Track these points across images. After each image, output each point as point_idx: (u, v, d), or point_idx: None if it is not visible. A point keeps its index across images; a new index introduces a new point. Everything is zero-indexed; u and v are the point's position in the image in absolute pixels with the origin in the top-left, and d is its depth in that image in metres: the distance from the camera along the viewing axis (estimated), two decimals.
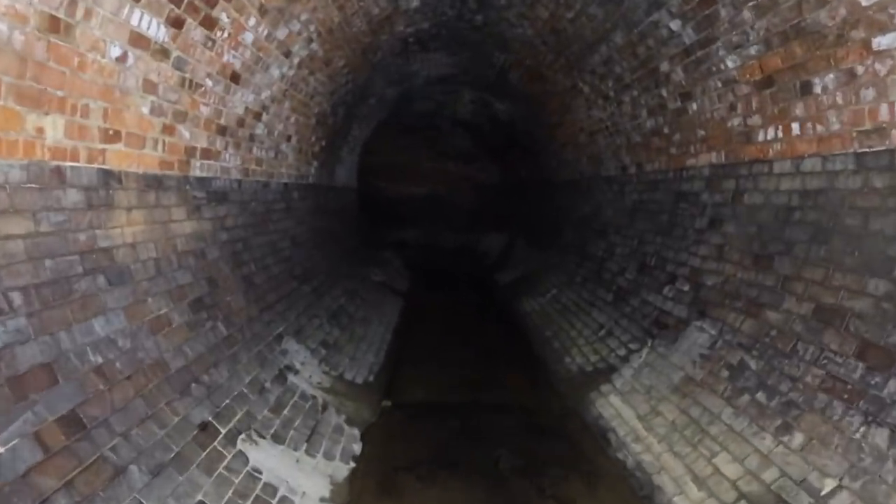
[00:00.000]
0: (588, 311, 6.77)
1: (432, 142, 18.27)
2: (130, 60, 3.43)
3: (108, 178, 3.34)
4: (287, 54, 5.88)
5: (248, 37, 4.87)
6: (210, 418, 3.38)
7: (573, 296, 7.60)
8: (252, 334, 4.66)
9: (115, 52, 3.27)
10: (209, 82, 4.55)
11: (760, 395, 3.40)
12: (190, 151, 4.46)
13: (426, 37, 8.62)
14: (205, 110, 4.61)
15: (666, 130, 5.98)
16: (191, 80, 4.26)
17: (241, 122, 5.42)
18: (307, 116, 7.63)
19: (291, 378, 4.63)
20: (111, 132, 3.38)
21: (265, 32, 5.13)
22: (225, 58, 4.67)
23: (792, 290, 3.67)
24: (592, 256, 7.92)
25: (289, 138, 7.08)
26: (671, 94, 5.63)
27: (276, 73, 5.85)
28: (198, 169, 4.61)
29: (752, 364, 3.66)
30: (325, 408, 4.49)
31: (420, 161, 19.13)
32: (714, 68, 4.75)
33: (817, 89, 3.63)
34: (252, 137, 5.80)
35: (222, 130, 5.03)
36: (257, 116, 5.84)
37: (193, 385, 3.49)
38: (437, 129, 17.29)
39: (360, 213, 13.66)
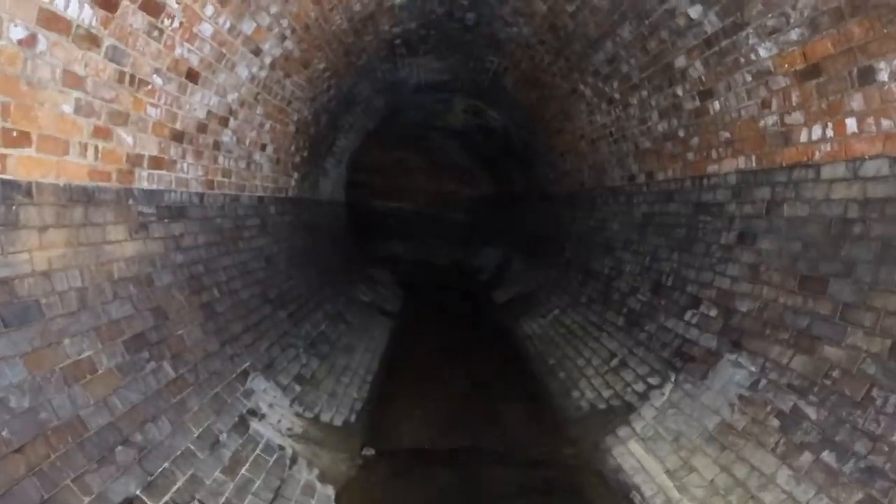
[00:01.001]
0: (596, 336, 6.10)
1: (424, 153, 17.67)
2: (42, 45, 2.76)
3: (11, 190, 2.66)
4: (256, 52, 5.23)
5: (207, 29, 4.22)
6: (138, 492, 2.68)
7: (578, 318, 6.93)
8: (209, 373, 3.97)
9: (17, 33, 2.60)
10: (158, 79, 3.88)
11: (828, 456, 2.73)
12: (134, 160, 3.79)
13: (414, 38, 8.00)
14: (154, 112, 3.94)
15: (681, 134, 5.35)
16: (132, 76, 3.60)
17: (202, 128, 4.75)
18: (284, 124, 6.98)
19: (255, 425, 3.93)
20: (15, 133, 2.70)
21: (227, 25, 4.48)
22: (177, 51, 4.01)
23: (857, 321, 3.00)
24: (598, 274, 7.27)
25: (263, 147, 6.41)
26: (688, 93, 5.01)
27: (244, 73, 5.20)
28: (145, 180, 3.94)
29: (811, 413, 2.99)
30: (294, 461, 3.79)
31: (411, 173, 18.51)
32: (742, 59, 4.12)
33: (882, 76, 2.99)
34: (217, 145, 5.14)
35: (178, 136, 4.36)
36: (223, 122, 5.18)
37: (119, 448, 2.79)
38: (428, 140, 16.68)
39: (349, 228, 12.98)
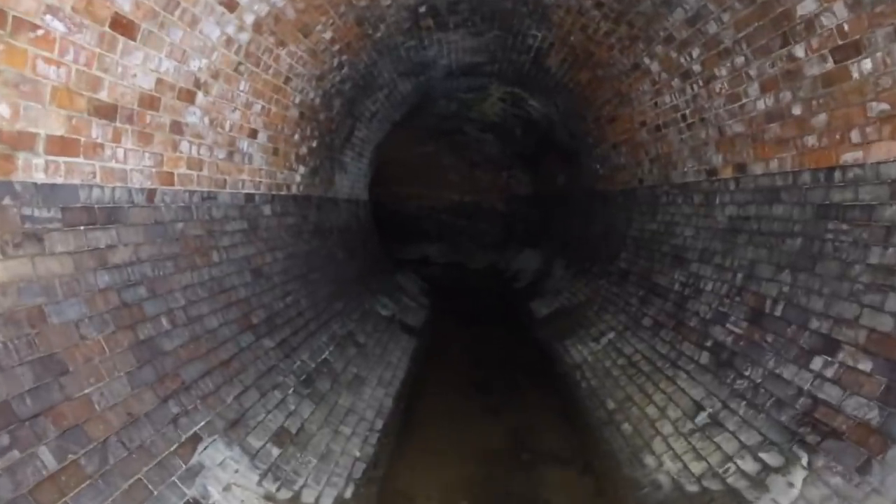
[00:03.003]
0: (670, 375, 4.73)
1: (457, 147, 16.38)
2: None
3: None
4: (230, 6, 4.00)
5: None
6: None
7: (641, 346, 5.56)
8: (130, 450, 2.74)
9: None
10: (57, 24, 2.67)
11: None
12: (15, 140, 2.58)
13: (443, 6, 6.70)
14: (53, 72, 2.73)
15: (797, 111, 3.94)
16: (2, 13, 2.40)
17: (150, 102, 3.54)
18: (283, 107, 5.76)
19: None
20: None
21: None
22: None
23: None
24: (665, 291, 5.88)
25: (253, 133, 5.20)
26: (815, 53, 3.60)
27: (213, 32, 3.97)
28: (40, 171, 2.73)
29: None
30: None
31: (443, 170, 17.26)
32: None
33: None
34: (178, 127, 3.92)
35: (106, 111, 3.15)
36: (187, 97, 3.96)
37: None
38: (462, 134, 15.38)
39: (372, 229, 11.77)
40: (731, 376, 4.02)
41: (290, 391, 4.36)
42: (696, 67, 5.12)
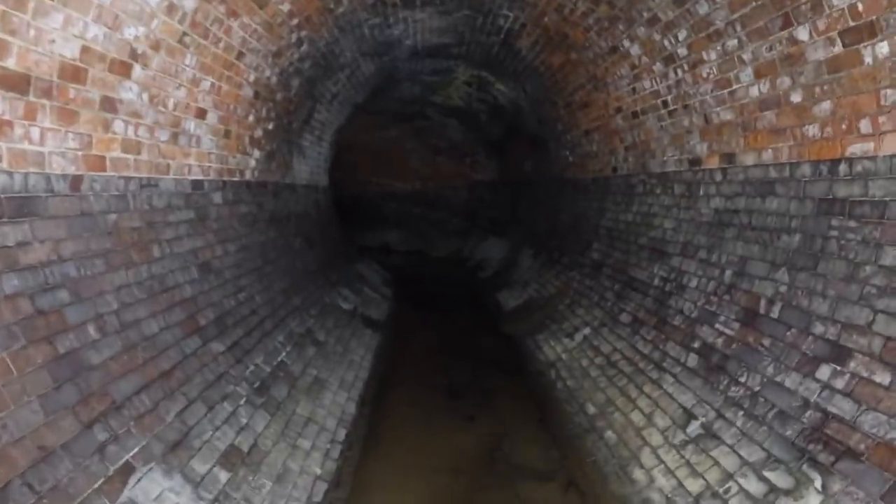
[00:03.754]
0: (655, 378, 4.44)
1: (419, 132, 15.92)
2: None
3: None
4: None
5: None
6: None
7: (621, 344, 5.27)
8: (38, 495, 2.28)
9: None
10: None
11: None
12: None
13: None
14: None
15: (796, 98, 3.65)
16: None
17: (73, 74, 3.03)
18: (236, 84, 5.25)
19: None
20: None
21: None
22: None
23: None
24: (643, 286, 5.60)
25: (202, 114, 4.69)
26: (821, 35, 3.30)
27: None
28: None
29: None
30: None
31: (406, 155, 16.79)
32: None
33: None
34: (110, 104, 3.42)
35: (14, 82, 2.65)
36: (121, 69, 3.46)
37: None
38: (425, 118, 14.92)
39: (333, 216, 11.27)
40: (724, 382, 3.74)
41: (242, 401, 3.92)
42: (682, 51, 4.80)
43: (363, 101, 10.93)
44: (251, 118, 5.90)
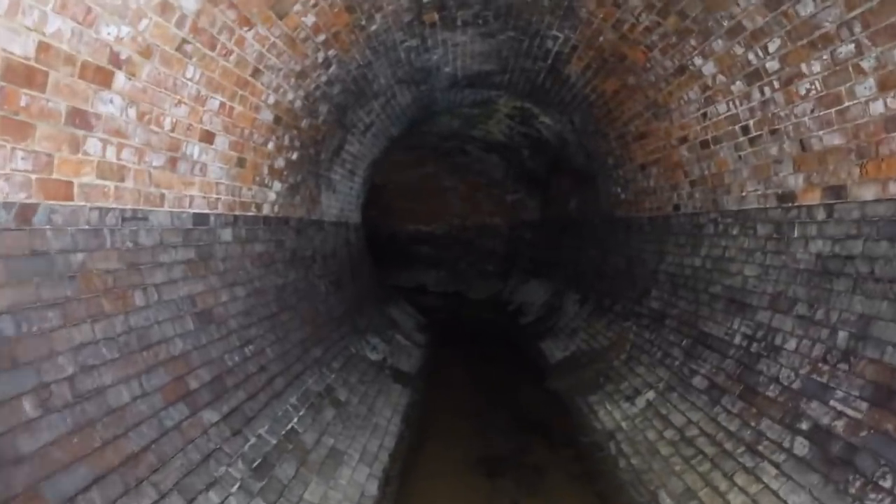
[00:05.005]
0: (748, 464, 3.54)
1: (459, 169, 15.32)
2: None
3: None
4: None
5: None
6: None
7: (696, 415, 4.38)
8: None
9: None
10: None
11: None
12: None
13: None
14: None
15: None
16: None
17: (26, 76, 2.41)
18: (252, 106, 4.64)
19: None
20: None
21: None
22: None
23: None
24: (720, 343, 4.72)
25: (208, 137, 4.07)
26: None
27: None
28: None
29: None
30: None
31: (444, 192, 16.21)
32: None
33: None
34: (81, 119, 2.79)
35: None
36: (99, 76, 2.84)
37: None
38: (464, 154, 14.32)
39: (365, 255, 10.62)
40: (854, 483, 2.84)
41: (235, 488, 3.17)
42: (772, 65, 4.01)
43: (399, 134, 10.36)
44: (271, 146, 5.29)
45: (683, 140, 5.85)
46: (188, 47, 3.46)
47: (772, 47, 3.92)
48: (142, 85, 3.19)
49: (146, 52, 3.13)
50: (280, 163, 5.66)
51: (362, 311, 8.14)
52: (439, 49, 7.04)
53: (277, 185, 5.70)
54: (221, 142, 4.29)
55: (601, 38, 5.92)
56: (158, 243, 3.56)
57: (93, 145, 2.91)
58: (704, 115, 5.25)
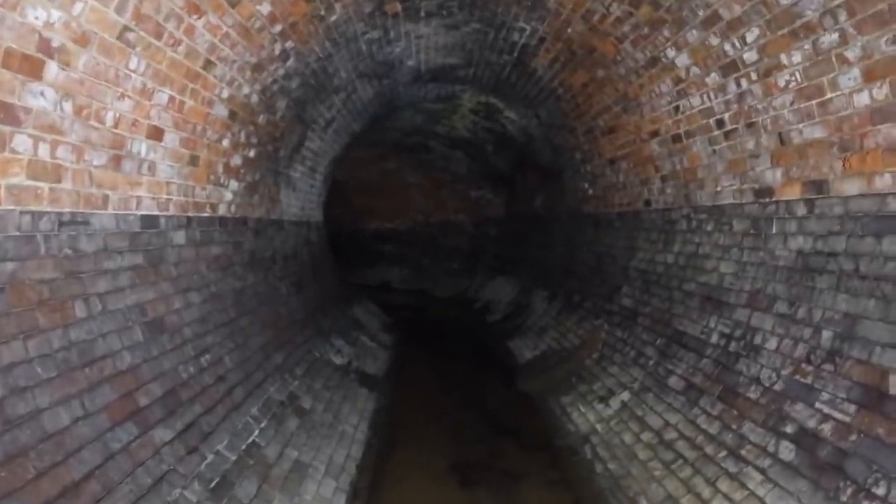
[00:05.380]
0: (731, 469, 3.42)
1: (422, 165, 15.09)
2: None
3: None
4: None
5: None
6: None
7: (674, 417, 4.26)
8: None
9: None
10: None
11: None
12: None
13: None
14: None
15: None
16: None
17: None
18: (205, 101, 4.34)
19: None
20: None
21: None
22: None
23: None
24: (697, 343, 4.62)
25: (156, 133, 3.77)
26: None
27: None
28: None
29: None
30: None
31: (407, 189, 15.96)
32: None
33: None
34: (8, 112, 2.49)
35: None
36: (26, 66, 2.54)
37: None
38: (427, 150, 14.09)
39: (327, 254, 10.31)
40: (847, 490, 2.73)
41: None
42: (750, 55, 3.89)
43: (361, 129, 10.07)
44: (226, 143, 4.99)
45: (654, 134, 5.74)
46: (131, 35, 3.17)
47: (750, 37, 3.81)
48: (78, 76, 2.89)
49: (82, 40, 2.84)
50: (236, 161, 5.35)
51: (326, 313, 7.86)
52: (402, 42, 6.79)
53: (234, 185, 5.40)
54: (171, 139, 3.99)
55: (570, 30, 5.76)
56: (102, 249, 3.26)
57: (22, 142, 2.61)
58: (677, 108, 5.14)
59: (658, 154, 5.81)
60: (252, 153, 5.71)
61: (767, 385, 3.62)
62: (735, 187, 4.55)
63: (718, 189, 4.82)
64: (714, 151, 4.77)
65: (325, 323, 7.45)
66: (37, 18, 2.52)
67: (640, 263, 6.28)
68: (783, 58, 3.62)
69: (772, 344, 3.75)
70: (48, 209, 2.82)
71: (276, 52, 5.05)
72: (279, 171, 6.96)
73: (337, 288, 9.69)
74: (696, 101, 4.79)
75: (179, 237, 4.26)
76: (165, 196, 4.05)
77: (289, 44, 5.12)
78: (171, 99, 3.85)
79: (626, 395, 5.03)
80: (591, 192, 8.12)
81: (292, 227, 7.76)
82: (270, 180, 6.62)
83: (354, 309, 9.61)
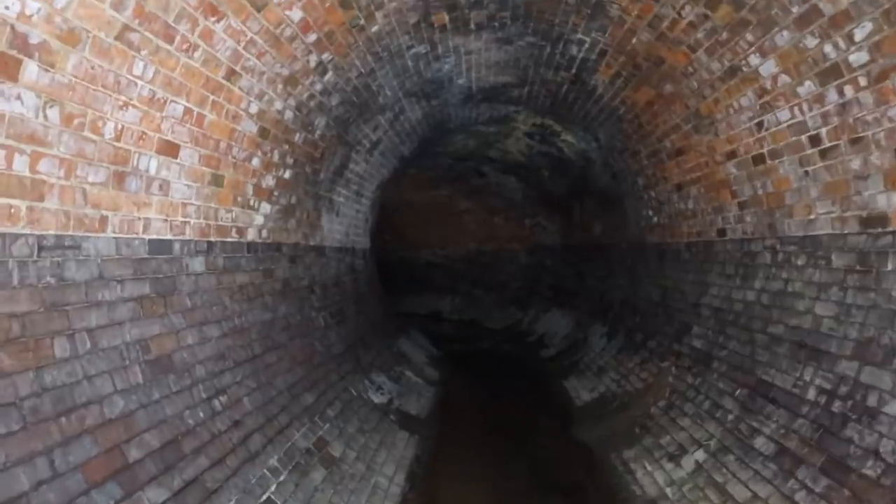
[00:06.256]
0: None
1: (475, 191, 14.63)
2: None
3: None
4: None
5: None
6: None
7: (764, 489, 3.55)
8: None
9: None
10: None
11: None
12: None
13: None
14: None
15: None
16: None
17: None
18: (230, 115, 3.97)
19: None
20: None
21: None
22: None
23: None
24: (789, 398, 3.92)
25: (170, 149, 3.40)
26: None
27: None
28: None
29: None
30: None
31: (459, 216, 15.52)
32: None
33: None
34: None
35: None
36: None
37: None
38: (480, 175, 13.63)
39: (374, 283, 9.90)
40: None
41: None
42: (857, 57, 3.26)
43: (411, 154, 9.69)
44: (256, 162, 4.61)
45: (731, 155, 5.09)
46: (133, 36, 2.79)
47: (859, 35, 3.17)
48: (67, 80, 2.52)
49: (70, 38, 2.46)
50: (269, 182, 4.97)
51: (368, 346, 7.39)
52: (451, 57, 6.36)
53: (266, 207, 5.01)
54: (189, 155, 3.61)
55: (634, 40, 5.20)
56: (96, 277, 2.86)
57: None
58: (760, 124, 4.49)
59: (735, 178, 5.15)
60: (287, 174, 5.33)
61: (892, 461, 2.90)
62: (834, 215, 3.86)
63: (811, 217, 4.13)
64: (806, 173, 4.10)
65: (366, 357, 6.97)
66: (7, 9, 2.15)
67: (714, 300, 5.57)
68: None
69: (894, 408, 3.04)
70: (25, 231, 2.43)
71: (312, 64, 4.67)
72: (320, 195, 6.58)
73: (382, 319, 9.24)
74: (784, 115, 4.14)
75: (197, 264, 3.85)
76: (181, 218, 3.66)
77: (325, 55, 4.74)
78: (188, 111, 3.47)
79: (700, 455, 4.33)
80: (655, 220, 7.45)
81: (334, 253, 7.36)
82: (309, 204, 6.23)
83: (400, 341, 9.12)
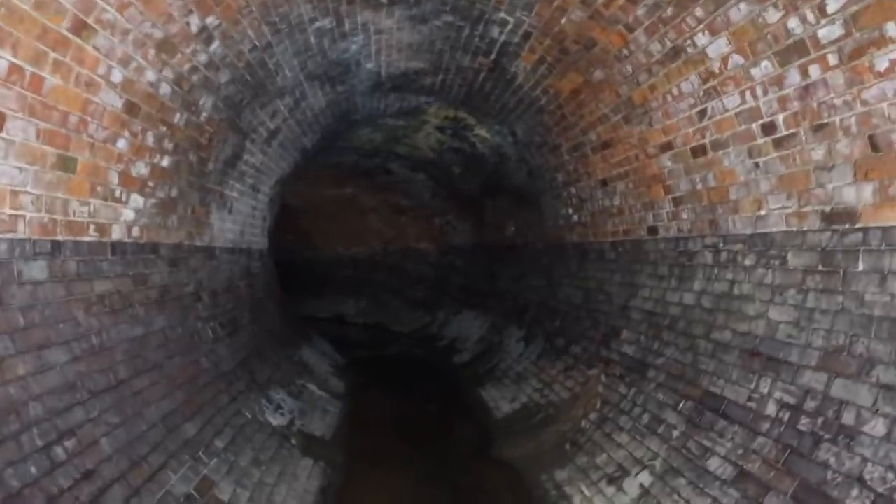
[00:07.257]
0: None
1: (381, 189, 13.96)
2: None
3: None
4: None
5: None
6: None
7: None
8: None
9: None
10: None
11: None
12: None
13: None
14: None
15: None
16: None
17: None
18: (82, 82, 3.12)
19: None
20: None
21: None
22: None
23: None
24: (743, 412, 3.54)
25: None
26: None
27: None
28: None
29: None
30: None
31: (365, 214, 14.78)
32: None
33: None
34: None
35: None
36: None
37: None
38: (387, 172, 12.97)
39: (272, 286, 9.02)
40: None
41: None
42: (828, 31, 2.88)
43: (314, 147, 8.89)
44: (122, 144, 3.74)
45: (666, 147, 4.72)
46: None
47: (833, 5, 2.79)
48: None
49: None
50: (141, 169, 4.10)
51: (265, 358, 6.57)
52: (359, 36, 5.68)
53: (138, 201, 4.14)
54: (20, 128, 2.75)
55: (564, 20, 4.72)
56: None
57: None
58: (702, 112, 4.11)
59: (670, 171, 4.79)
60: (165, 162, 4.47)
61: (880, 490, 2.52)
62: (791, 210, 3.51)
63: (761, 213, 3.78)
64: (756, 165, 3.74)
65: (263, 371, 6.15)
66: None
67: (645, 303, 5.21)
68: (887, 29, 2.60)
69: (878, 428, 2.66)
70: None
71: (193, 28, 3.85)
72: (208, 188, 5.71)
73: (282, 326, 8.39)
74: (732, 101, 3.76)
75: (37, 270, 2.99)
76: (10, 211, 2.79)
77: (211, 19, 3.94)
78: (16, 69, 2.62)
79: (646, 477, 3.90)
80: (576, 218, 7.08)
81: (227, 255, 6.48)
82: (196, 198, 5.36)
83: (302, 350, 8.31)
